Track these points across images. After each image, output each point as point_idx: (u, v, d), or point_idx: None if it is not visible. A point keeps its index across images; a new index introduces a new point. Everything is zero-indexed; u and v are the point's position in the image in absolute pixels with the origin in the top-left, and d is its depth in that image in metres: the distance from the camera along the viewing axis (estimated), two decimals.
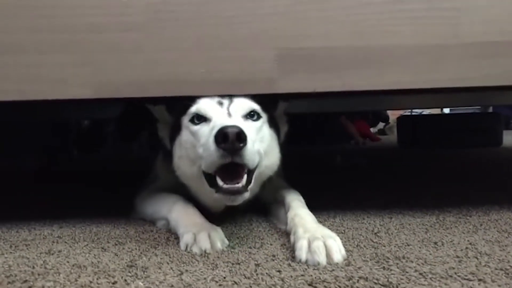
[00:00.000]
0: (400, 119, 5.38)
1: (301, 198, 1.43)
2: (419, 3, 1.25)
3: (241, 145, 1.12)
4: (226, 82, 1.27)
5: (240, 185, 1.17)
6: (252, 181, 1.22)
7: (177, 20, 1.25)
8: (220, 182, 1.17)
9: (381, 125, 8.01)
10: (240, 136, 1.11)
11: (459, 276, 0.93)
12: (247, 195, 1.19)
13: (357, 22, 1.25)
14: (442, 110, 7.63)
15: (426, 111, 7.50)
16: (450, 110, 7.71)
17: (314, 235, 1.09)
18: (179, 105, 1.39)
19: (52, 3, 1.25)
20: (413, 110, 7.54)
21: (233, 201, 1.19)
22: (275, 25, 1.25)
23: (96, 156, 5.33)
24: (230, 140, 1.10)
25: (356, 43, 1.25)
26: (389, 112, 7.40)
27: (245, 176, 1.19)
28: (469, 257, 1.05)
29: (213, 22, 1.25)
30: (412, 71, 1.26)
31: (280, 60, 1.26)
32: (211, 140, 1.13)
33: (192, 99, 1.32)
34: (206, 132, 1.23)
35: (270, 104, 1.44)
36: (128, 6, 1.25)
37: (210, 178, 1.22)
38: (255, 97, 1.34)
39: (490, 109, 5.53)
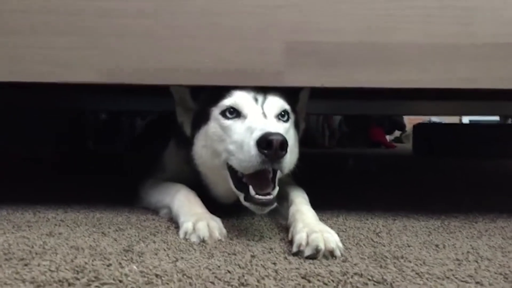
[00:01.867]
0: (416, 127, 5.31)
1: (305, 195, 1.43)
2: (431, 1, 1.23)
3: (284, 152, 1.11)
4: (234, 72, 1.26)
5: (272, 196, 1.17)
6: (276, 186, 1.21)
7: (188, 8, 1.25)
8: (252, 192, 1.17)
9: (397, 133, 7.94)
10: (283, 144, 1.10)
11: (456, 278, 0.91)
12: (275, 205, 1.18)
13: (368, 18, 1.23)
14: (460, 120, 7.54)
15: (444, 120, 7.41)
16: (470, 120, 7.62)
17: (313, 229, 1.09)
18: (207, 93, 1.38)
19: None
20: (432, 119, 7.45)
21: (262, 211, 1.19)
22: (285, 18, 1.24)
23: (111, 149, 5.37)
24: (274, 148, 1.09)
25: (366, 39, 1.24)
26: (406, 120, 7.33)
27: (277, 188, 1.19)
28: (469, 261, 1.03)
29: (223, 11, 1.25)
30: (422, 70, 1.24)
31: (289, 53, 1.25)
32: (252, 143, 1.12)
33: (224, 89, 1.30)
34: (240, 129, 1.22)
35: (294, 99, 1.44)
36: None
37: (237, 179, 1.23)
38: (283, 93, 1.33)
39: (510, 121, 5.45)
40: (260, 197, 1.16)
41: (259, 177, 1.17)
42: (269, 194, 1.17)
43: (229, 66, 1.26)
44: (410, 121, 7.20)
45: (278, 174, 1.22)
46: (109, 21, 1.25)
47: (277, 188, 1.19)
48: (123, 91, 2.57)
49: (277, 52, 1.25)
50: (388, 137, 7.47)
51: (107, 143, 5.61)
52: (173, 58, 1.26)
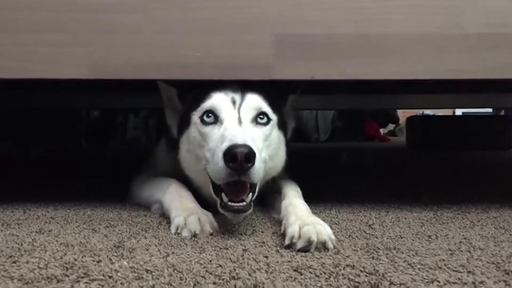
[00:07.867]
0: (410, 120, 5.31)
1: (298, 189, 1.42)
2: None
3: (249, 165, 1.10)
4: (223, 66, 1.25)
5: (244, 203, 1.16)
6: (256, 191, 1.21)
7: (175, 2, 1.24)
8: (225, 199, 1.16)
9: (391, 126, 7.96)
10: (249, 157, 1.10)
11: (448, 267, 0.91)
12: (250, 211, 1.18)
13: (357, 9, 1.23)
14: (454, 112, 7.56)
15: (437, 113, 7.42)
16: (463, 112, 7.64)
17: (305, 222, 1.08)
18: (191, 95, 1.37)
19: None
20: (425, 112, 7.47)
21: (236, 218, 1.18)
22: (273, 11, 1.23)
23: (104, 147, 5.36)
24: (239, 161, 1.09)
25: (356, 31, 1.23)
26: (399, 113, 7.35)
27: (250, 195, 1.18)
28: (461, 251, 1.03)
29: (211, 5, 1.24)
30: (411, 61, 1.23)
31: (278, 46, 1.24)
32: (220, 155, 1.12)
33: (205, 91, 1.30)
34: (216, 136, 1.22)
35: (280, 101, 1.43)
36: None
37: (215, 185, 1.21)
38: (264, 92, 1.32)
39: (502, 112, 5.46)
40: (233, 204, 1.15)
41: (236, 184, 1.16)
42: (243, 201, 1.16)
43: (218, 60, 1.25)
44: (403, 114, 7.21)
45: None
46: (96, 17, 1.23)
47: (251, 195, 1.18)
48: (115, 89, 2.55)
49: (267, 45, 1.24)
50: (382, 131, 7.49)
51: (99, 141, 5.61)
52: (161, 53, 1.24)
